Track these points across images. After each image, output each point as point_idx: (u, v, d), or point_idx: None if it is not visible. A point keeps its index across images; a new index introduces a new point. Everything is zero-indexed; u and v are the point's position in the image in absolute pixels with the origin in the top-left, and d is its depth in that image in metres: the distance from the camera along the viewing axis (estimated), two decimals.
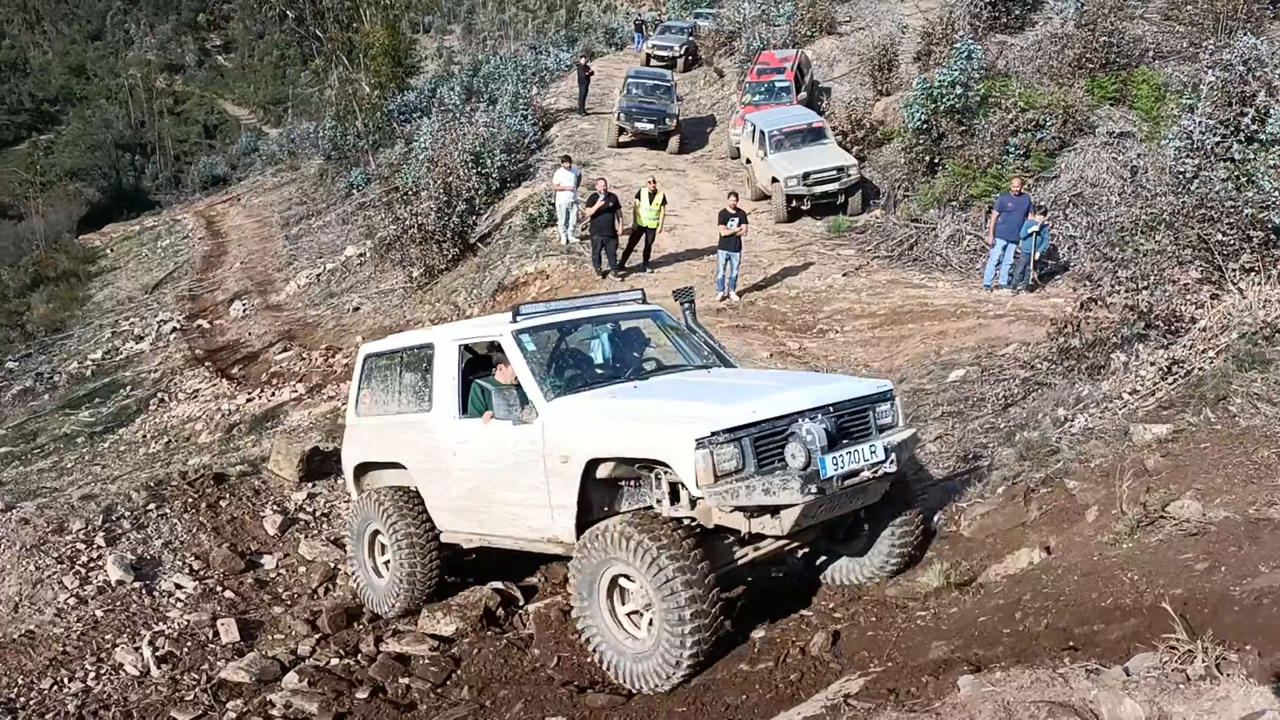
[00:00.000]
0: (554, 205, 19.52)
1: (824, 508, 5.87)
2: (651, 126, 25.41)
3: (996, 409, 10.03)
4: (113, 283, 33.23)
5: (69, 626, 7.48)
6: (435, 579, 7.78)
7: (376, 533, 7.94)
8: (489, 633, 7.48)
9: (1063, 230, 16.06)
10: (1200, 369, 7.76)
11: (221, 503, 9.55)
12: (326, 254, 27.58)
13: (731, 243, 15.44)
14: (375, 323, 19.80)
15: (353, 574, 8.36)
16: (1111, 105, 18.71)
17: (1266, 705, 3.22)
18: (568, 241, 18.95)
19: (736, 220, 15.39)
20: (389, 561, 7.84)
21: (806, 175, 19.23)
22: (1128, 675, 3.56)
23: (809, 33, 29.63)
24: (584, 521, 6.33)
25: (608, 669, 6.12)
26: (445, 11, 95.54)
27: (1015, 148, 17.81)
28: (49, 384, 22.38)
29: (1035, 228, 14.66)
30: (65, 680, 6.90)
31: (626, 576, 5.92)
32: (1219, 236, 8.84)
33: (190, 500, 9.44)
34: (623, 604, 6.07)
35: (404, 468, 7.79)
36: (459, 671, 7.01)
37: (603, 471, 6.27)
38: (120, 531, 8.72)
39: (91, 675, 6.99)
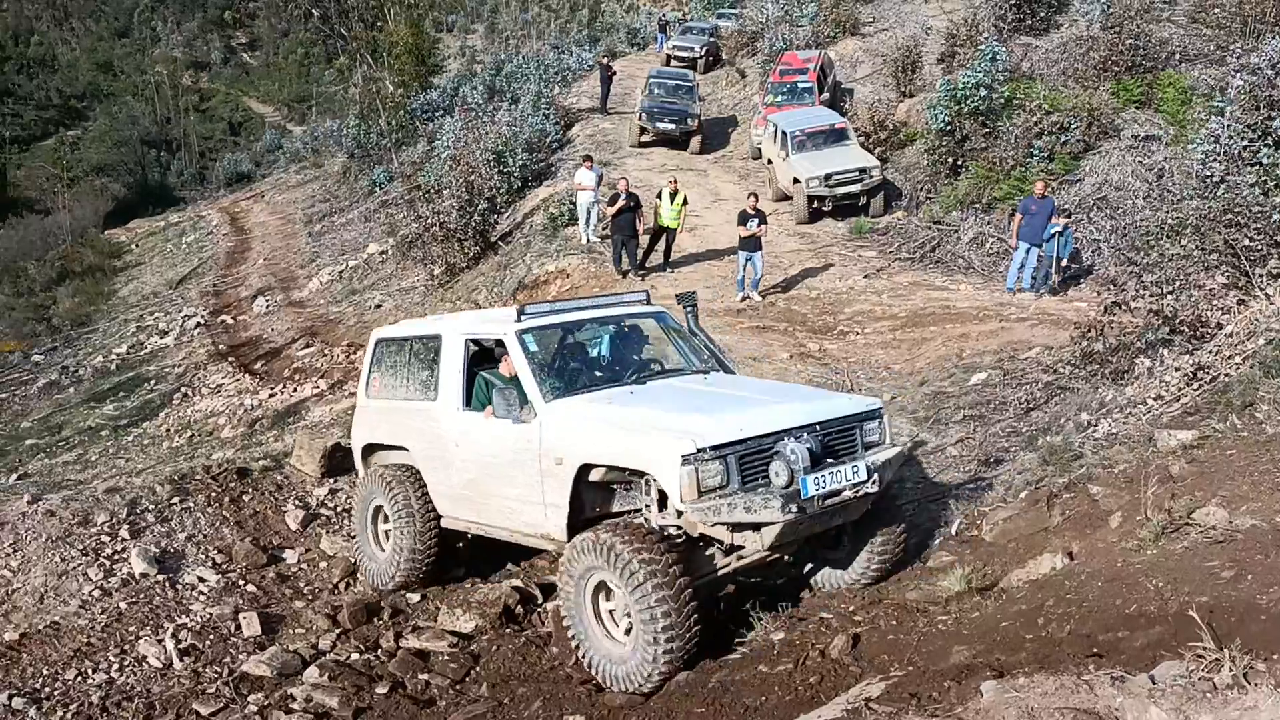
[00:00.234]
0: (575, 204, 19.56)
1: (804, 525, 6.05)
2: (673, 126, 25.41)
3: (1018, 413, 9.98)
4: (138, 278, 33.53)
5: (93, 618, 7.54)
6: (433, 557, 7.99)
7: (380, 508, 8.17)
8: (508, 630, 7.52)
9: (1087, 234, 15.95)
10: (1226, 375, 7.70)
11: (244, 497, 9.62)
12: (349, 251, 27.73)
13: (751, 243, 15.42)
14: (397, 320, 19.86)
15: (355, 547, 8.61)
16: (1137, 108, 18.57)
17: None
18: (588, 241, 18.98)
19: (756, 221, 15.36)
20: (390, 535, 8.07)
21: (828, 176, 19.18)
22: (1153, 683, 3.53)
23: (832, 33, 29.56)
24: (576, 520, 6.54)
25: (590, 669, 6.28)
26: (468, 11, 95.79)
27: (1039, 150, 17.70)
28: (74, 377, 22.60)
29: (1058, 229, 14.56)
30: (89, 671, 6.96)
31: (609, 584, 6.07)
32: (1246, 241, 8.77)
33: (213, 494, 9.51)
34: (607, 608, 6.23)
35: (409, 451, 8.03)
36: (478, 668, 7.06)
37: (595, 475, 6.44)
38: (144, 524, 8.80)
39: (115, 667, 7.05)
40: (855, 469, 6.12)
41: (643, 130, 25.77)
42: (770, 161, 21.62)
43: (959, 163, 19.05)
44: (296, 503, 9.65)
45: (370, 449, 8.57)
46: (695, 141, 25.53)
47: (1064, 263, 14.89)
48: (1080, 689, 3.48)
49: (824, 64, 25.29)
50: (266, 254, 31.24)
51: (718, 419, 6.07)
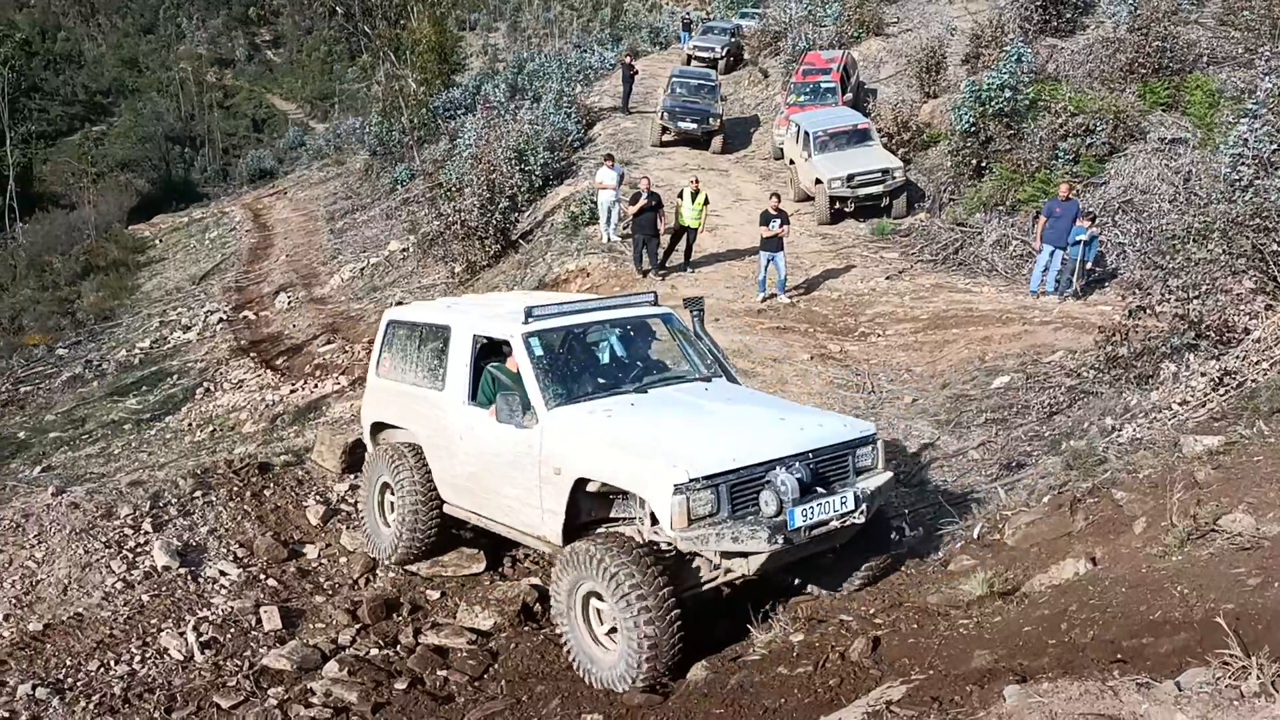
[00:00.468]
0: (596, 203, 19.57)
1: (790, 554, 6.25)
2: (695, 126, 25.39)
3: (1041, 417, 9.93)
4: (161, 273, 33.79)
5: (116, 610, 7.59)
6: (434, 535, 8.26)
7: (386, 485, 8.41)
8: (526, 628, 7.54)
9: (1111, 237, 15.83)
10: (1254, 381, 7.63)
11: (266, 492, 9.67)
12: (370, 248, 27.85)
13: (773, 243, 15.37)
14: None
15: (362, 520, 8.96)
16: (1164, 111, 18.40)
17: None
18: (609, 240, 18.98)
19: (778, 221, 15.32)
20: (395, 511, 8.32)
21: (851, 177, 19.11)
22: (1179, 690, 3.49)
23: (855, 34, 29.45)
24: (572, 525, 6.70)
25: (578, 670, 6.45)
26: (491, 9, 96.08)
27: (1064, 152, 17.58)
28: (98, 371, 22.79)
29: (1084, 236, 14.44)
30: (112, 663, 7.01)
31: (598, 593, 6.24)
32: (1275, 246, 8.68)
33: (235, 489, 9.56)
34: (596, 615, 6.40)
35: (416, 434, 8.27)
36: (496, 665, 7.07)
37: (592, 486, 6.59)
38: (167, 518, 8.86)
39: (137, 659, 7.09)
40: (844, 499, 6.24)
41: (664, 129, 25.76)
42: (792, 162, 21.56)
43: (983, 164, 18.94)
44: (317, 498, 9.69)
45: (379, 427, 8.85)
46: (717, 141, 25.49)
47: (1088, 265, 14.78)
48: (1105, 695, 3.45)
49: (847, 64, 25.20)
50: (288, 250, 31.42)
51: (711, 447, 6.21)
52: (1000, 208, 17.84)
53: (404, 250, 25.54)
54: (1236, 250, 9.22)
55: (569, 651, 6.52)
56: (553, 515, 6.71)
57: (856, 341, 13.78)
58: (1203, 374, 8.18)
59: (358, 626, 7.61)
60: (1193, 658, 4.00)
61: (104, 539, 8.39)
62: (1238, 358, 8.06)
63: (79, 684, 6.74)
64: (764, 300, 15.64)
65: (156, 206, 52.40)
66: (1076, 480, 7.44)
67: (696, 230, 17.17)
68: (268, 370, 19.31)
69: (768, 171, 23.95)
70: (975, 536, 7.40)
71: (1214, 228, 10.07)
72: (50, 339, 26.91)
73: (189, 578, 8.11)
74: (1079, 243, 14.45)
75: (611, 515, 6.76)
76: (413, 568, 8.46)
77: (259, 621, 7.61)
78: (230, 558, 8.50)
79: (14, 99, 53.78)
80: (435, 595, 8.13)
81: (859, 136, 20.07)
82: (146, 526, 8.65)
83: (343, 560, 8.74)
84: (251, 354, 20.85)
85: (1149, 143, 17.53)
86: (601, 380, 7.46)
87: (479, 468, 7.44)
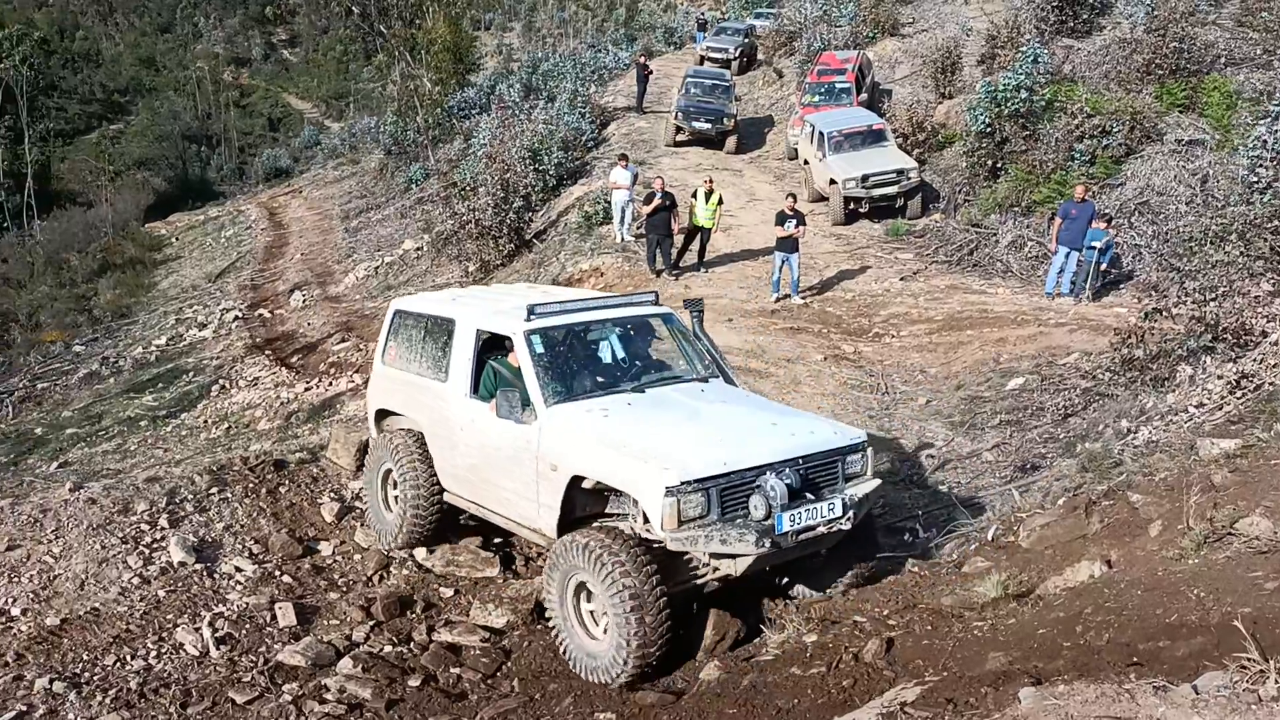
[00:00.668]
0: (609, 203, 19.59)
1: (777, 557, 6.41)
2: (709, 126, 25.36)
3: (1056, 419, 9.89)
4: (177, 270, 33.97)
5: (132, 605, 7.64)
6: (435, 523, 8.45)
7: (389, 471, 8.56)
8: (539, 626, 7.53)
9: (1128, 239, 15.75)
10: (1271, 384, 7.58)
11: (281, 489, 9.72)
12: (385, 247, 27.94)
13: (789, 244, 15.36)
14: None
15: (365, 506, 9.10)
16: (1181, 112, 18.29)
17: None
18: (623, 239, 19.00)
19: (794, 222, 15.30)
20: (398, 498, 8.52)
21: (865, 178, 19.07)
22: (1196, 693, 3.48)
23: (871, 34, 29.37)
24: (567, 520, 6.84)
25: (566, 658, 6.60)
26: (506, 9, 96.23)
27: (1080, 154, 17.50)
28: (114, 368, 22.92)
29: (1100, 243, 14.34)
30: (128, 658, 7.05)
31: (589, 584, 6.37)
32: None
33: (251, 485, 9.61)
34: (587, 607, 6.53)
35: (419, 422, 8.46)
36: (509, 663, 7.08)
37: (587, 483, 6.76)
38: (183, 514, 8.91)
39: (153, 654, 7.12)
40: (831, 506, 6.39)
41: (678, 129, 25.75)
42: (806, 162, 21.52)
43: (998, 165, 18.87)
44: (331, 495, 9.74)
45: (383, 414, 9.01)
46: (731, 141, 25.46)
47: (1104, 267, 14.71)
48: (1122, 698, 3.44)
49: (862, 64, 25.13)
50: (304, 249, 31.55)
51: (703, 451, 6.35)
52: (1015, 209, 17.78)
53: (418, 249, 25.62)
54: (1254, 252, 9.19)
55: (560, 641, 6.65)
56: (548, 510, 6.89)
57: (870, 342, 13.76)
58: (1219, 377, 8.13)
59: (372, 623, 7.64)
60: (1210, 661, 3.97)
61: (121, 534, 8.45)
62: (1255, 361, 8.01)
63: (96, 678, 6.78)
64: (777, 300, 15.63)
65: (173, 205, 52.69)
66: (1092, 483, 7.41)
67: (710, 230, 17.16)
68: (283, 368, 19.39)
69: (782, 172, 23.92)
70: (989, 538, 7.38)
71: (1231, 230, 10.04)
72: (67, 336, 27.09)
73: (205, 573, 8.15)
74: (1093, 248, 14.38)
75: (605, 511, 6.91)
76: (427, 564, 8.49)
77: (274, 618, 7.64)
78: (245, 554, 8.55)
79: (32, 97, 54.11)
80: (449, 593, 8.15)
81: (874, 137, 20.03)
82: (163, 522, 8.71)
83: (357, 557, 8.77)
84: (266, 352, 20.94)
85: (1166, 144, 17.43)
86: (600, 379, 7.60)
87: (479, 459, 7.63)
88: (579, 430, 6.80)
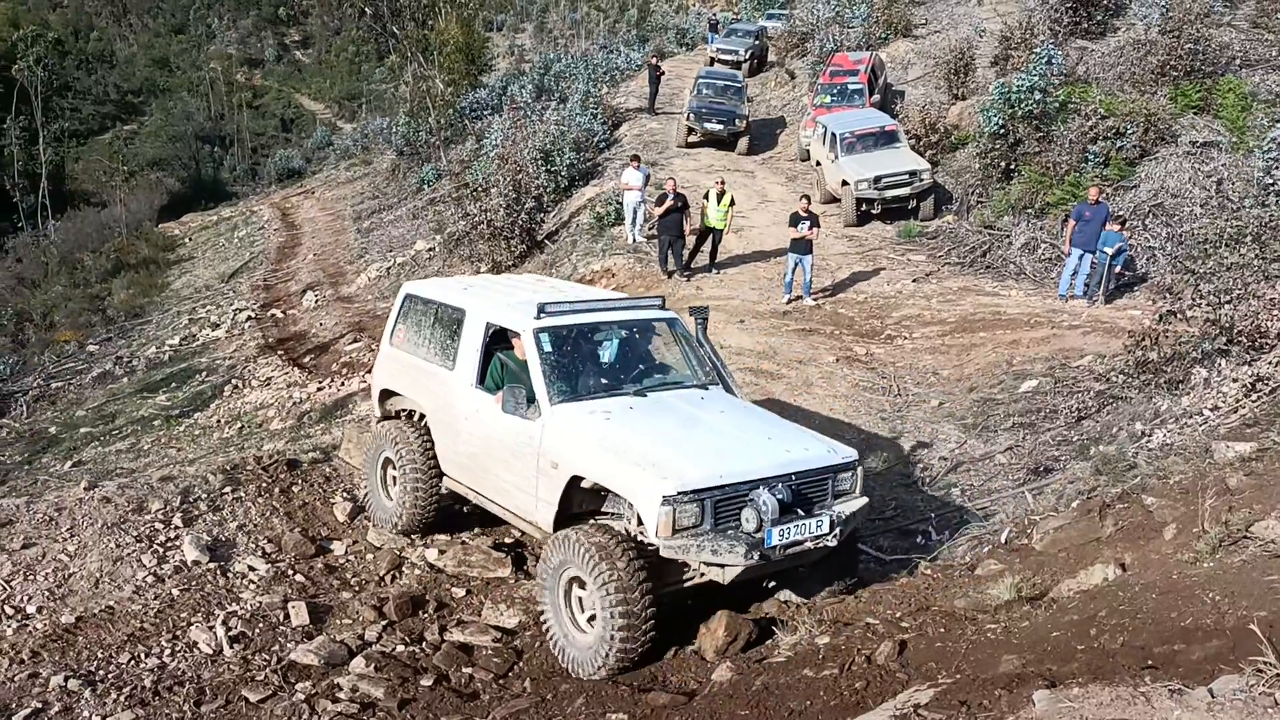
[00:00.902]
0: (621, 204, 19.59)
1: (765, 569, 6.65)
2: (721, 127, 25.34)
3: (1070, 421, 9.86)
4: (190, 271, 34.10)
5: (146, 604, 7.68)
6: (433, 508, 8.62)
7: (388, 460, 8.72)
8: None
9: (1142, 241, 15.69)
10: None
11: (294, 488, 9.76)
12: (397, 248, 28.00)
13: (802, 246, 15.34)
14: None
15: (365, 492, 9.25)
16: (1195, 114, 18.19)
17: None
18: (634, 241, 19.00)
19: (808, 223, 15.27)
20: (396, 485, 8.69)
21: (878, 179, 19.03)
22: (1212, 697, 3.46)
23: (883, 35, 29.28)
24: (564, 516, 7.01)
25: (553, 648, 6.81)
26: (518, 10, 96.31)
27: (1094, 155, 17.43)
28: (128, 368, 23.03)
29: (1112, 249, 14.26)
30: (142, 656, 7.08)
31: (580, 579, 6.54)
32: None
33: (264, 485, 9.65)
34: (577, 600, 6.70)
35: (422, 406, 8.60)
36: (521, 664, 7.09)
37: (586, 483, 6.90)
38: (197, 513, 8.96)
39: (167, 652, 7.16)
40: (819, 523, 6.56)
41: (690, 130, 25.74)
42: (819, 163, 21.49)
43: (1011, 167, 18.80)
44: (344, 495, 9.77)
45: (388, 394, 9.13)
46: (743, 142, 25.45)
47: (1118, 270, 14.65)
48: (1137, 700, 3.43)
49: (875, 65, 25.08)
50: (316, 249, 31.64)
51: (700, 462, 6.49)
52: (1029, 211, 17.72)
53: (430, 250, 25.67)
54: (1269, 255, 9.15)
55: (547, 630, 6.84)
56: (546, 505, 7.06)
57: (883, 344, 13.73)
58: (1234, 380, 8.10)
59: (384, 623, 7.66)
60: (1225, 665, 3.96)
61: (135, 533, 8.49)
62: (1270, 364, 7.98)
63: (110, 676, 6.82)
64: (789, 302, 15.61)
65: (186, 205, 52.82)
66: (1106, 485, 7.39)
67: (722, 231, 17.15)
68: (295, 368, 19.46)
69: (794, 173, 23.90)
70: (1003, 541, 7.37)
71: (1246, 232, 9.99)
72: (81, 336, 27.23)
73: (218, 572, 8.19)
74: (1106, 251, 14.31)
75: (601, 509, 7.06)
76: (439, 564, 8.51)
77: (287, 617, 7.67)
78: (259, 553, 8.59)
79: (47, 98, 54.37)
80: (461, 593, 8.17)
81: (886, 138, 19.99)
82: (177, 521, 8.76)
83: (369, 557, 8.79)
84: (279, 352, 21.02)
85: (1180, 146, 17.35)
86: (603, 380, 7.73)
87: (480, 449, 7.79)
88: (581, 431, 6.95)
